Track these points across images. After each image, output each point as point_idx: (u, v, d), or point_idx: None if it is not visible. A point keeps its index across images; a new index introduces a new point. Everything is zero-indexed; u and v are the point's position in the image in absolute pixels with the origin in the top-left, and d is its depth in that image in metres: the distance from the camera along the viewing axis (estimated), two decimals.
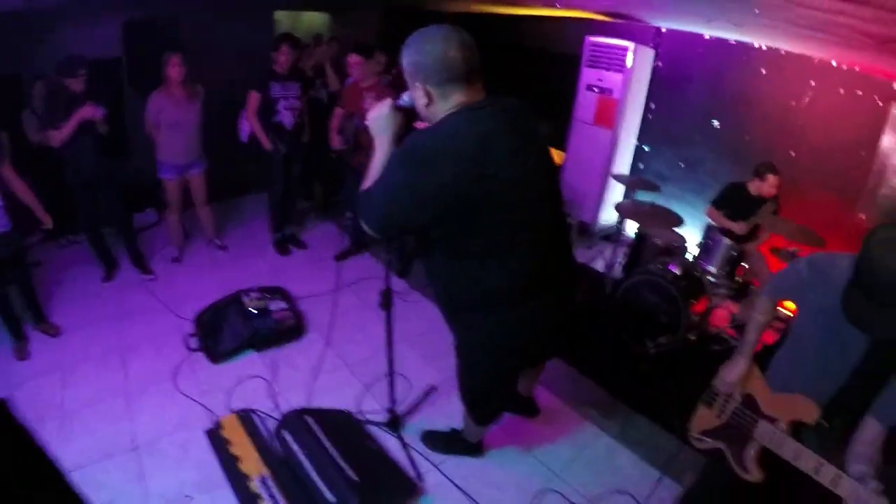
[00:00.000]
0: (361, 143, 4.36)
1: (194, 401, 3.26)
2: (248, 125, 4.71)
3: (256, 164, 4.95)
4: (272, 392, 3.35)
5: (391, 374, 2.88)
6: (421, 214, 1.76)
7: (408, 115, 1.99)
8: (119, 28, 5.25)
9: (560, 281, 2.10)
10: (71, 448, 2.91)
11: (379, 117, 1.95)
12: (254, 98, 4.54)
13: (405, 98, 1.93)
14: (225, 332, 3.73)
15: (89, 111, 3.84)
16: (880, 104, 4.25)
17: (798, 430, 1.84)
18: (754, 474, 1.95)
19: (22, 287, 3.75)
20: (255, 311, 3.84)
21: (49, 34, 4.88)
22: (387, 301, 2.57)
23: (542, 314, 2.06)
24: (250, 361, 3.64)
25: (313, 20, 7.02)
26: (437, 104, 1.80)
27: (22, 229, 3.58)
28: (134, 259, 4.63)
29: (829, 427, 1.79)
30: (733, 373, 2.08)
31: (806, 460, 1.74)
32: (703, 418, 2.22)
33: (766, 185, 4.21)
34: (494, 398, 2.39)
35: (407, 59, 1.79)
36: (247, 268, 4.90)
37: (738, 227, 4.27)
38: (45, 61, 4.62)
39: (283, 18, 6.61)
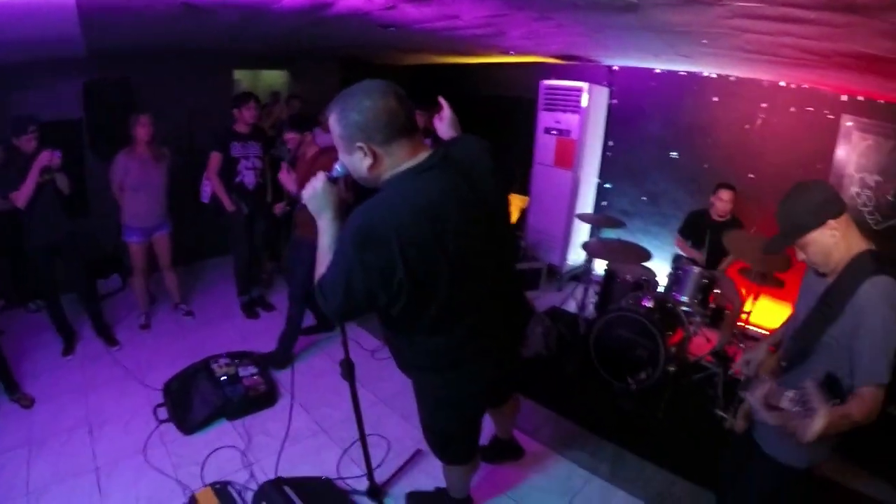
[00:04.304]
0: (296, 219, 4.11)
1: (167, 475, 3.11)
2: (210, 186, 4.68)
3: (219, 225, 4.88)
4: (247, 462, 3.21)
5: (365, 450, 2.77)
6: (379, 295, 1.66)
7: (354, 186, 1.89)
8: (79, 90, 5.20)
9: (510, 332, 2.14)
10: None
11: (315, 195, 1.81)
12: (215, 158, 4.52)
13: (338, 168, 1.82)
14: (195, 401, 3.61)
15: (45, 156, 3.75)
16: (831, 117, 4.48)
17: None
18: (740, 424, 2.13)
19: None
20: (226, 378, 3.74)
21: (6, 97, 4.78)
22: (348, 370, 2.44)
23: (491, 367, 2.07)
24: (223, 431, 3.50)
25: (273, 79, 7.09)
26: (383, 163, 1.70)
27: None
28: (98, 329, 4.50)
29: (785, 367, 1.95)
30: (749, 353, 2.17)
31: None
32: None
33: (719, 202, 4.34)
34: (458, 437, 2.33)
35: (343, 120, 1.65)
36: (215, 333, 4.78)
37: (698, 256, 4.38)
38: (3, 124, 4.57)
39: (242, 77, 6.64)
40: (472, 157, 1.88)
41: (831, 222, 1.74)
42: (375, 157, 1.68)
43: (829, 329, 1.75)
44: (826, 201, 1.76)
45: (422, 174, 1.69)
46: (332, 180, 1.83)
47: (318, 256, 1.80)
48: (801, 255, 1.87)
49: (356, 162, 1.71)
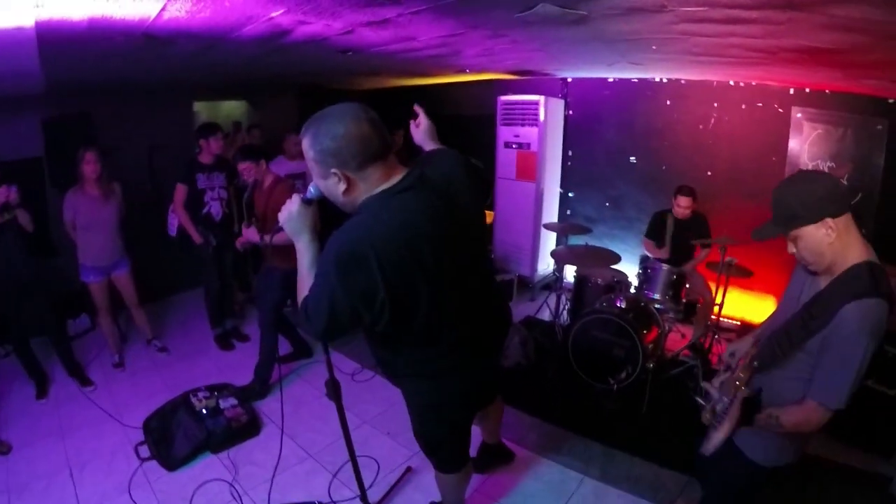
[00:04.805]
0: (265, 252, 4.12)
1: None
2: (176, 219, 4.63)
3: (188, 259, 4.83)
4: (236, 493, 3.16)
5: (356, 468, 2.74)
6: (363, 315, 1.68)
7: (322, 205, 1.88)
8: (38, 127, 5.10)
9: (494, 338, 2.23)
10: None
11: (291, 217, 1.82)
12: (180, 191, 4.49)
13: (312, 190, 1.82)
14: (177, 436, 3.54)
15: (2, 192, 3.68)
16: (781, 111, 4.71)
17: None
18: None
19: None
20: (206, 411, 3.69)
21: None
22: (334, 391, 2.41)
23: (478, 372, 2.14)
24: (208, 464, 3.44)
25: (231, 109, 7.05)
26: (357, 188, 1.71)
27: None
28: (71, 370, 4.37)
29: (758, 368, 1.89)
30: (734, 344, 2.14)
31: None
32: None
33: (678, 207, 4.52)
34: (449, 442, 2.36)
35: (316, 146, 1.65)
36: (190, 367, 4.69)
37: (658, 253, 4.57)
38: None
39: (201, 109, 6.61)
40: (449, 173, 1.91)
41: (829, 220, 1.60)
42: (349, 182, 1.70)
43: (807, 341, 1.68)
44: (828, 197, 1.61)
45: (397, 196, 1.71)
46: (307, 202, 1.84)
47: (300, 279, 1.83)
48: (791, 249, 1.73)
49: (331, 186, 1.73)
